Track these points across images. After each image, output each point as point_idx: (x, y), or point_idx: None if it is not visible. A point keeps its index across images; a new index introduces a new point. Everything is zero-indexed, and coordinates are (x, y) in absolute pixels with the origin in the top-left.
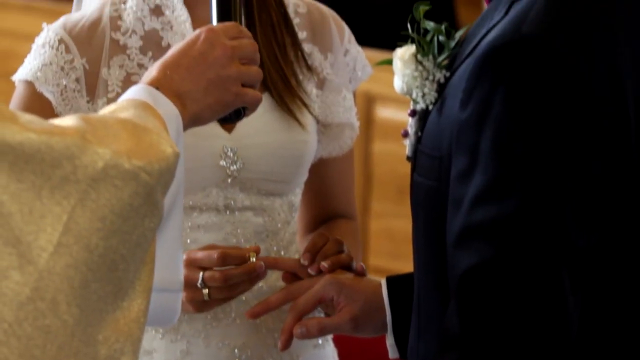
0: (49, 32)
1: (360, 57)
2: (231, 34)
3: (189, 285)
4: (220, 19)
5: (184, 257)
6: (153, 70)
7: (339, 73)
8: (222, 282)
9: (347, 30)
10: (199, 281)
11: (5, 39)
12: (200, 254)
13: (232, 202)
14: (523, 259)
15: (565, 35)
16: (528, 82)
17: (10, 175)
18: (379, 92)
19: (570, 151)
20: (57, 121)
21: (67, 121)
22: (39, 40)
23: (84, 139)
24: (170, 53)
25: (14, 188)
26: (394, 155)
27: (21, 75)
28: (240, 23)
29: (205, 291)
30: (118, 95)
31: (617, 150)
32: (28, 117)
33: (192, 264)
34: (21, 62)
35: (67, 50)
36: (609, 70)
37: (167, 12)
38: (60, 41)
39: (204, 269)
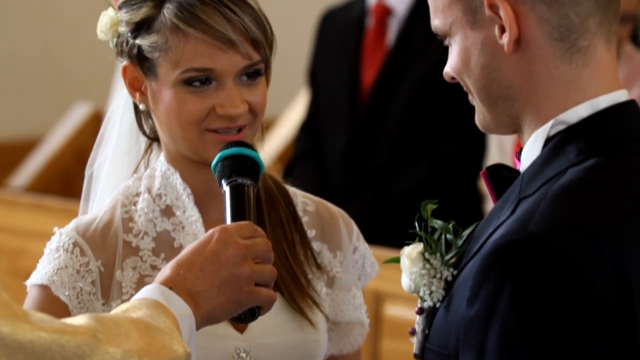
0: (62, 236)
1: (369, 254)
2: (245, 233)
3: None
4: (234, 218)
5: None
6: (167, 269)
7: (348, 270)
8: None
9: (355, 228)
10: None
11: (15, 238)
12: None
13: None
14: None
15: (571, 236)
16: (534, 281)
17: None
18: (387, 290)
19: (576, 350)
20: (69, 320)
21: (78, 320)
22: (52, 244)
23: (95, 338)
24: (184, 252)
25: None
26: (403, 353)
27: (36, 279)
28: (254, 222)
29: None
30: (132, 297)
31: (624, 351)
32: (40, 316)
33: None
34: (31, 260)
35: (82, 253)
36: (615, 271)
37: (178, 213)
38: (75, 244)
39: None
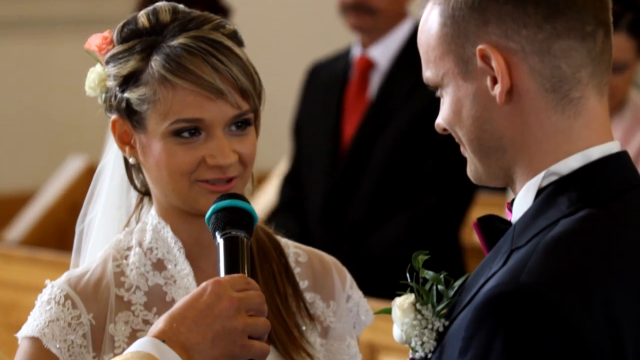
0: (54, 289)
1: (363, 302)
2: (238, 286)
3: None
4: (228, 270)
5: None
6: (160, 322)
7: (342, 319)
8: None
9: (348, 277)
10: None
11: (8, 291)
12: None
13: None
14: None
15: (563, 287)
16: (526, 332)
17: None
18: (381, 342)
19: None
20: None
21: None
22: (43, 297)
23: None
24: (177, 305)
25: None
26: None
27: (27, 332)
28: (248, 275)
29: None
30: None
31: None
32: None
33: None
34: (25, 313)
35: (74, 305)
36: (607, 322)
37: (170, 266)
38: (67, 297)
39: None
